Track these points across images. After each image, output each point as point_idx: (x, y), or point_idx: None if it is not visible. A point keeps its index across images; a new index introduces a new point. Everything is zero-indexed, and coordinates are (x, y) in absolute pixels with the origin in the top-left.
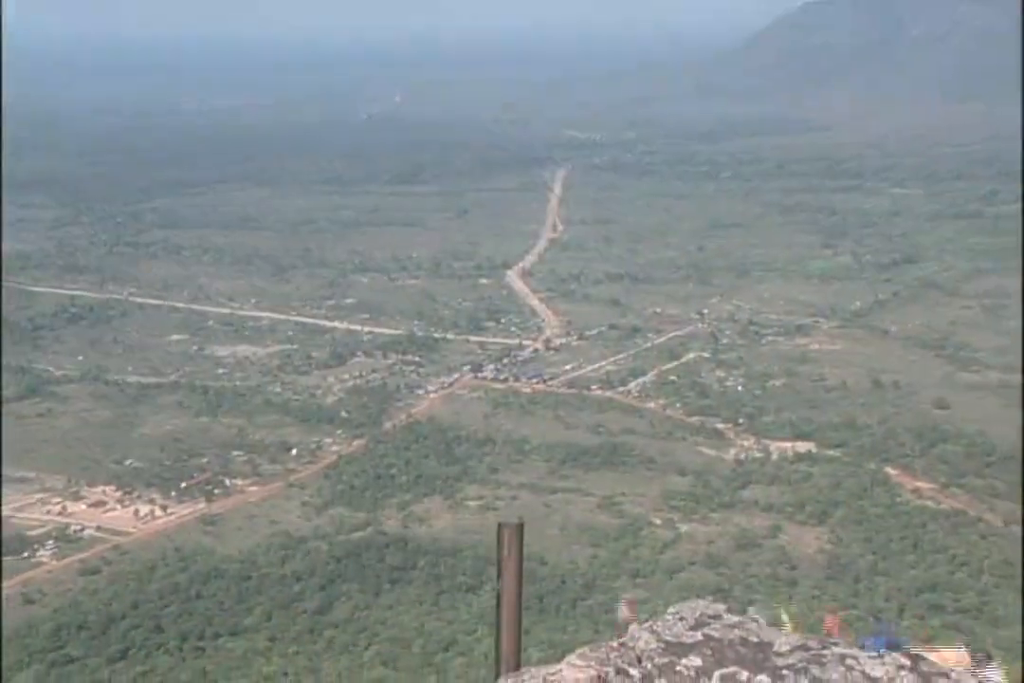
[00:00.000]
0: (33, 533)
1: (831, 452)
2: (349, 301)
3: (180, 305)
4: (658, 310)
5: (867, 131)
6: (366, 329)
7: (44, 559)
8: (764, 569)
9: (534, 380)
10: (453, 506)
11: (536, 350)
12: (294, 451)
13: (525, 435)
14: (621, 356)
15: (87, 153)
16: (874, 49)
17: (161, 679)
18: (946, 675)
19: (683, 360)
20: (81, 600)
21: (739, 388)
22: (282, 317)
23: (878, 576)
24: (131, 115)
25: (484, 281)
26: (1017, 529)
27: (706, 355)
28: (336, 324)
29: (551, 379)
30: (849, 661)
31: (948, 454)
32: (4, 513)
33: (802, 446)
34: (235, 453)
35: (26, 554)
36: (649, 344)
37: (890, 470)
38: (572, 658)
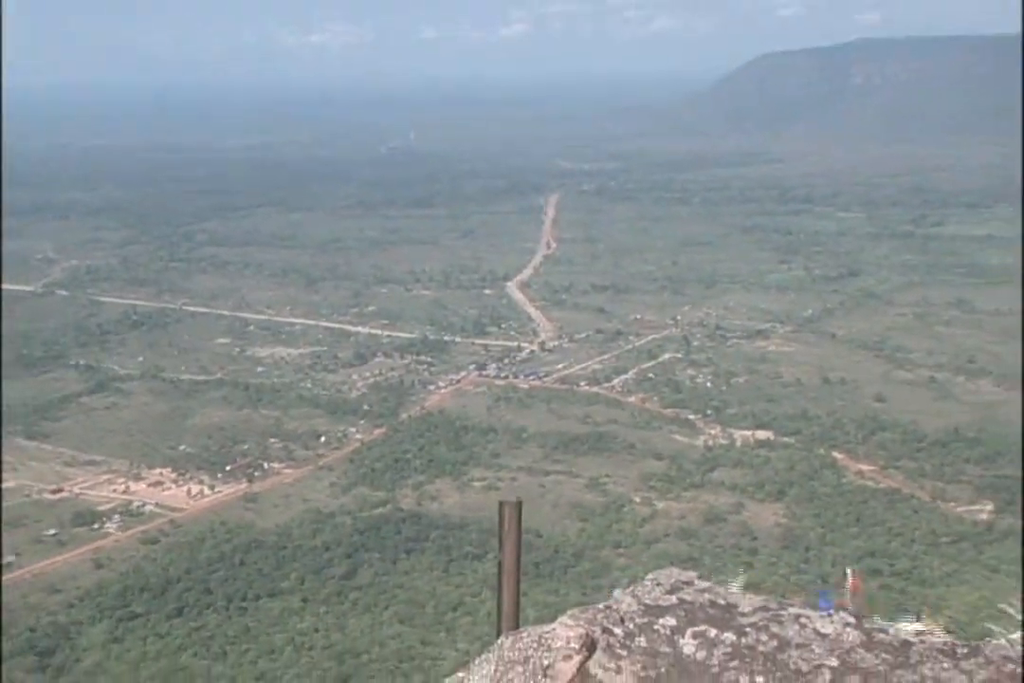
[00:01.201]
0: (101, 508)
1: (786, 439)
2: (371, 309)
3: (225, 313)
4: (638, 316)
5: (816, 164)
6: (385, 333)
7: (111, 530)
8: (729, 540)
9: (531, 377)
10: (460, 486)
11: (532, 351)
12: (323, 439)
13: (523, 425)
14: (606, 356)
15: (146, 184)
16: (821, 96)
17: (211, 633)
18: (885, 631)
19: (659, 360)
20: (143, 566)
21: (708, 384)
22: (313, 323)
23: (826, 546)
24: (181, 151)
25: (487, 292)
26: (943, 505)
27: (679, 356)
28: (359, 329)
29: (545, 376)
30: (803, 620)
31: (886, 441)
32: (76, 491)
33: (762, 434)
34: (272, 440)
35: (96, 526)
36: (630, 346)
37: (837, 455)
38: (564, 618)
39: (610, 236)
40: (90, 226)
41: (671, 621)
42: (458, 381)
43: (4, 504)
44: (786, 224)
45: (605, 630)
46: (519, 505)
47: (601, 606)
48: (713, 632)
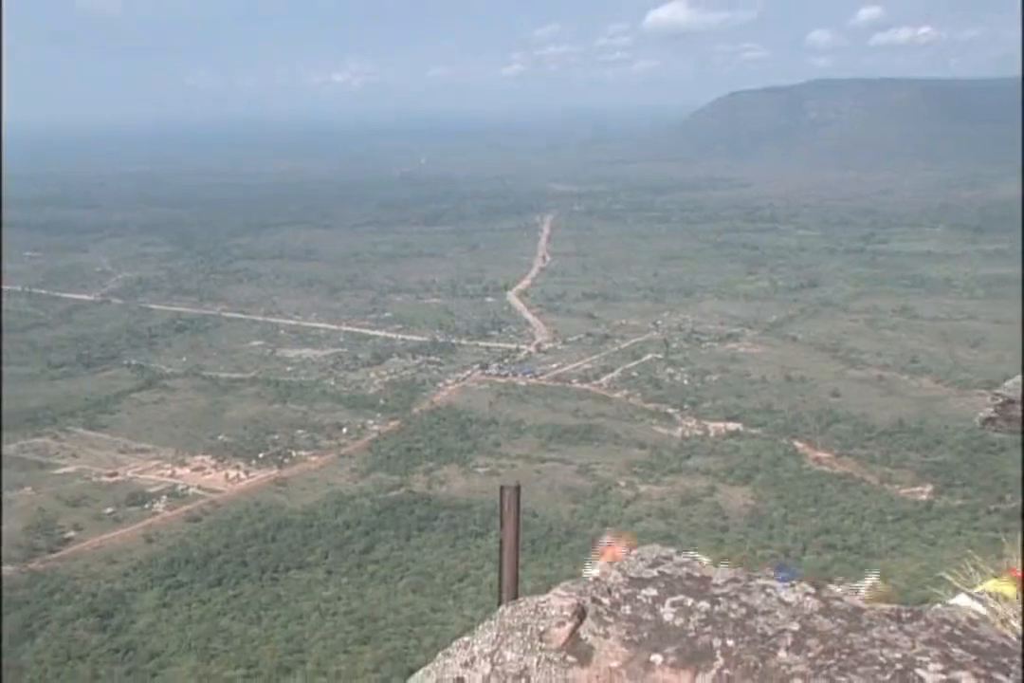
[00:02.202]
0: (151, 490)
1: (754, 430)
2: (386, 315)
3: (258, 318)
4: (623, 322)
5: (777, 188)
6: (399, 336)
7: (159, 510)
8: (703, 519)
9: (528, 376)
10: (466, 472)
11: (530, 352)
12: (344, 430)
13: (521, 418)
14: (595, 357)
15: (188, 205)
16: (781, 128)
17: (247, 600)
18: (840, 598)
19: (642, 360)
20: (187, 541)
21: (684, 381)
22: (335, 327)
23: (787, 524)
24: (219, 176)
25: (489, 299)
26: (889, 487)
27: (659, 356)
28: (376, 332)
29: (541, 375)
30: (768, 590)
31: (840, 431)
32: (130, 475)
33: (732, 426)
34: (299, 431)
35: (146, 505)
36: (616, 348)
37: (797, 444)
38: (558, 590)
39: (598, 251)
40: (140, 242)
41: (652, 592)
42: (464, 379)
43: (69, 486)
44: (753, 240)
45: (594, 600)
46: (518, 489)
47: (591, 578)
48: (689, 601)
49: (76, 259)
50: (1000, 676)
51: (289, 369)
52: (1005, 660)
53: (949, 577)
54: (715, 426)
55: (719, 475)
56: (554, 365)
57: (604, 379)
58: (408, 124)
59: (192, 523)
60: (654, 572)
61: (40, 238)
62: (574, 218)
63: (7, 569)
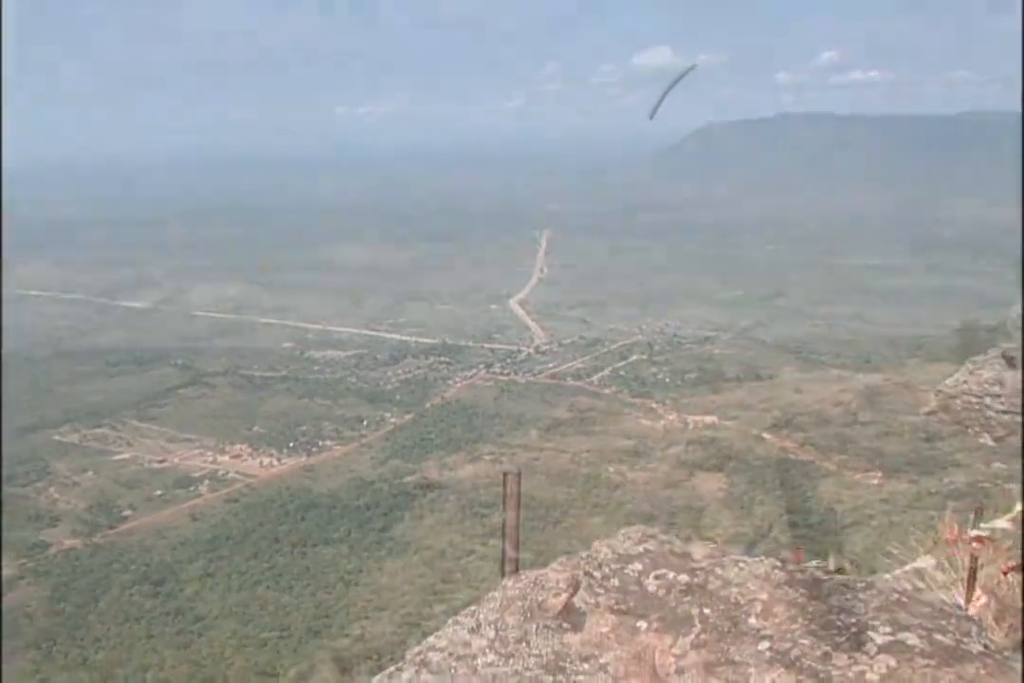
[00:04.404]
0: (195, 475)
1: (728, 423)
2: (402, 320)
3: (289, 323)
4: (612, 326)
5: (748, 208)
6: (413, 339)
7: (202, 492)
8: (682, 502)
9: (528, 374)
10: (472, 459)
11: (529, 354)
12: (365, 422)
13: (521, 412)
14: (587, 358)
15: (230, 223)
16: (751, 156)
17: (279, 572)
18: (803, 570)
19: (629, 360)
20: (227, 519)
21: (666, 379)
22: (357, 331)
23: (756, 506)
24: (258, 198)
25: (493, 307)
26: (848, 473)
27: (644, 357)
28: (394, 336)
29: (539, 373)
30: (741, 564)
31: (803, 423)
32: (176, 461)
33: (708, 419)
34: (325, 423)
35: (191, 488)
36: (606, 349)
37: (766, 435)
38: (554, 564)
39: (590, 263)
40: (187, 256)
41: (638, 566)
42: (470, 377)
43: (125, 470)
44: (727, 254)
45: (587, 573)
46: (519, 475)
47: (583, 555)
48: (671, 574)
49: (132, 272)
50: (939, 636)
51: (316, 368)
52: (944, 622)
53: (894, 550)
54: (694, 419)
55: (697, 462)
56: (551, 365)
57: (595, 377)
58: (424, 151)
59: (231, 504)
60: (640, 549)
61: (102, 253)
62: (569, 234)
63: (74, 542)
